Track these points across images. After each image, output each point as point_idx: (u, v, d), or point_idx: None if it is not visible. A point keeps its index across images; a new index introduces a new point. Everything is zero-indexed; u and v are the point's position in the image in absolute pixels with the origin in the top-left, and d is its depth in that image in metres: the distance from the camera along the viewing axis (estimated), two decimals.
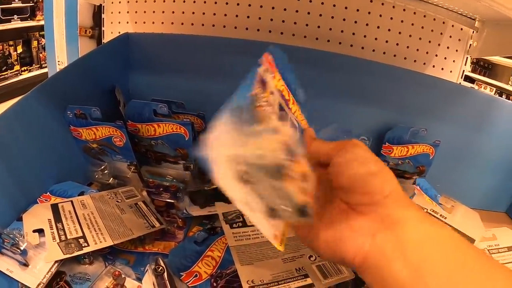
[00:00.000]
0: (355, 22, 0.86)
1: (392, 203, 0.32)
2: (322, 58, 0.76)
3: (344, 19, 0.86)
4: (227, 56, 0.73)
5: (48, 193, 0.59)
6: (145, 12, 0.88)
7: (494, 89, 3.59)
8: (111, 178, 0.64)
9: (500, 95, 3.48)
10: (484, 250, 0.64)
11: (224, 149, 0.30)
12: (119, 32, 0.87)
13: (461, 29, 0.94)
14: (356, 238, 0.32)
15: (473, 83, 3.84)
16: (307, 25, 0.86)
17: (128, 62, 0.74)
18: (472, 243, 0.61)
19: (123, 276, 0.51)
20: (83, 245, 0.50)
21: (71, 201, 0.58)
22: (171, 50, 0.74)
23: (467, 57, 0.98)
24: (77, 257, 0.50)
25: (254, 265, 0.45)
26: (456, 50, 0.96)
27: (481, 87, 3.73)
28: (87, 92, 0.66)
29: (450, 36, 0.94)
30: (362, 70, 0.77)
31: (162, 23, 0.86)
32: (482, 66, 3.88)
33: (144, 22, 0.87)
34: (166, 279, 0.48)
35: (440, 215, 0.65)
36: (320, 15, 0.85)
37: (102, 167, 0.65)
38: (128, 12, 0.90)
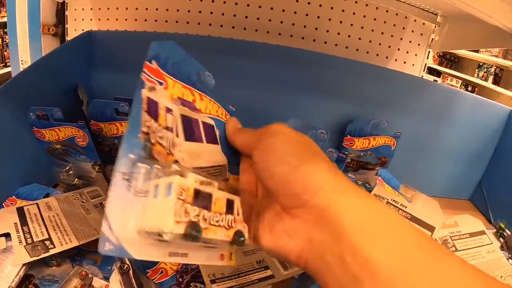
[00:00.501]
0: (318, 17, 0.88)
1: (325, 198, 0.27)
2: (283, 54, 0.77)
3: (306, 14, 0.87)
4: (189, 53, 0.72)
5: (13, 196, 0.58)
6: (108, 8, 0.87)
7: (460, 81, 3.72)
8: (76, 179, 0.64)
9: (466, 87, 3.61)
10: (436, 237, 0.67)
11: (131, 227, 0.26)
12: (83, 30, 0.86)
13: (423, 23, 0.97)
14: (294, 244, 0.29)
15: (440, 76, 3.97)
16: (270, 20, 0.87)
17: (91, 60, 0.73)
18: (433, 231, 0.65)
19: (90, 276, 0.51)
20: (49, 247, 0.50)
21: (37, 204, 0.57)
22: (134, 47, 0.71)
23: (429, 51, 1.01)
24: (44, 259, 0.50)
25: None
26: (418, 44, 0.99)
27: (447, 79, 3.87)
28: (50, 92, 0.65)
29: (412, 31, 0.97)
30: (323, 65, 0.78)
31: (126, 19, 0.85)
32: (448, 59, 4.02)
33: (108, 19, 0.86)
34: (132, 276, 0.48)
35: (401, 205, 0.67)
36: (283, 10, 0.86)
37: (67, 168, 0.65)
38: (91, 9, 0.89)
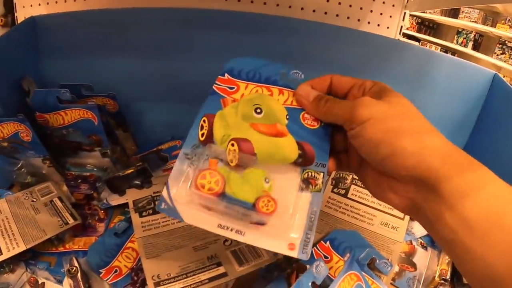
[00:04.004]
0: None
1: (427, 170, 0.28)
2: (242, 20, 0.69)
3: None
4: (135, 28, 0.65)
5: None
6: None
7: (439, 47, 3.62)
8: (29, 177, 0.57)
9: (445, 53, 3.52)
10: None
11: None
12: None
13: None
14: (399, 201, 0.31)
15: (419, 43, 3.88)
16: None
17: (38, 48, 0.65)
18: None
19: (40, 282, 0.45)
20: None
21: None
22: (80, 29, 0.64)
23: (405, 12, 0.91)
24: None
25: (161, 257, 0.40)
26: (393, 5, 0.89)
27: (426, 46, 3.76)
28: None
29: None
30: (288, 30, 0.70)
31: (75, 0, 0.75)
32: (427, 26, 3.90)
33: (56, 2, 0.77)
34: (80, 280, 0.42)
35: None
36: None
37: (18, 166, 0.57)
38: None
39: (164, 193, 0.31)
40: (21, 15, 0.80)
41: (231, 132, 0.34)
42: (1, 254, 0.44)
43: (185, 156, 0.33)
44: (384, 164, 0.29)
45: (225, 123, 0.35)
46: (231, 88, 0.37)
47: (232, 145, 0.33)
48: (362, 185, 0.58)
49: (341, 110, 0.32)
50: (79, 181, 0.55)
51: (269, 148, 0.33)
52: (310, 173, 0.33)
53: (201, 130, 0.35)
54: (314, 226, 0.31)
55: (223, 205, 0.31)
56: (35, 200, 0.52)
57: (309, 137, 0.35)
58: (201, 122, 0.35)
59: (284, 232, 0.30)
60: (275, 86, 0.38)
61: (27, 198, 0.53)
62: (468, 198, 0.26)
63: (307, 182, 0.33)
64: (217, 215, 0.30)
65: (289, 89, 0.38)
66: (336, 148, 0.36)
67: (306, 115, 0.36)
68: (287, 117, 0.36)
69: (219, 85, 0.37)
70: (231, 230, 0.30)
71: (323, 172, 0.33)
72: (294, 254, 0.30)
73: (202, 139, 0.34)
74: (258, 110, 0.35)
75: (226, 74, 0.38)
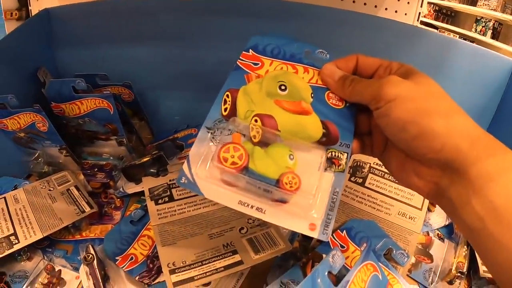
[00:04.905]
0: None
1: (455, 153, 0.27)
2: (264, 7, 0.68)
3: None
4: (150, 17, 0.65)
5: None
6: None
7: (457, 36, 3.53)
8: (45, 166, 0.57)
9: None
10: None
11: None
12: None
13: None
14: (423, 184, 0.30)
15: (437, 31, 3.77)
16: None
17: (52, 39, 0.65)
18: None
19: (56, 269, 0.46)
20: (13, 242, 0.45)
21: (4, 198, 0.51)
22: (93, 19, 0.65)
23: None
24: (14, 255, 0.45)
25: (177, 244, 0.40)
26: None
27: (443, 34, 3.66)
28: (10, 79, 0.58)
29: None
30: (303, 15, 0.68)
31: None
32: (445, 14, 3.78)
33: None
34: (96, 267, 0.42)
35: None
36: None
37: (35, 156, 0.58)
38: None
39: (185, 167, 0.30)
40: (35, 8, 0.81)
41: (254, 107, 0.33)
42: (19, 242, 0.45)
43: (207, 130, 0.32)
44: (411, 145, 0.28)
45: (249, 98, 0.34)
46: (256, 64, 0.37)
47: (256, 121, 0.32)
48: (380, 174, 0.56)
49: (367, 88, 0.31)
50: (96, 169, 0.56)
51: (293, 126, 0.33)
52: (334, 153, 0.32)
53: (224, 105, 0.34)
54: (335, 207, 0.30)
55: (245, 181, 0.30)
56: (52, 189, 0.53)
57: (334, 117, 0.33)
58: (224, 96, 0.34)
59: (306, 211, 0.30)
60: (300, 64, 0.37)
61: (44, 187, 0.53)
62: (495, 182, 0.25)
63: (330, 162, 0.32)
64: (238, 191, 0.30)
65: (314, 68, 0.37)
66: (360, 130, 0.35)
67: (331, 94, 0.35)
68: (312, 95, 0.34)
69: (243, 60, 0.37)
70: (252, 207, 0.29)
71: (347, 153, 0.33)
72: (314, 234, 0.29)
73: (225, 113, 0.33)
74: (283, 87, 0.34)
75: (250, 50, 0.37)
